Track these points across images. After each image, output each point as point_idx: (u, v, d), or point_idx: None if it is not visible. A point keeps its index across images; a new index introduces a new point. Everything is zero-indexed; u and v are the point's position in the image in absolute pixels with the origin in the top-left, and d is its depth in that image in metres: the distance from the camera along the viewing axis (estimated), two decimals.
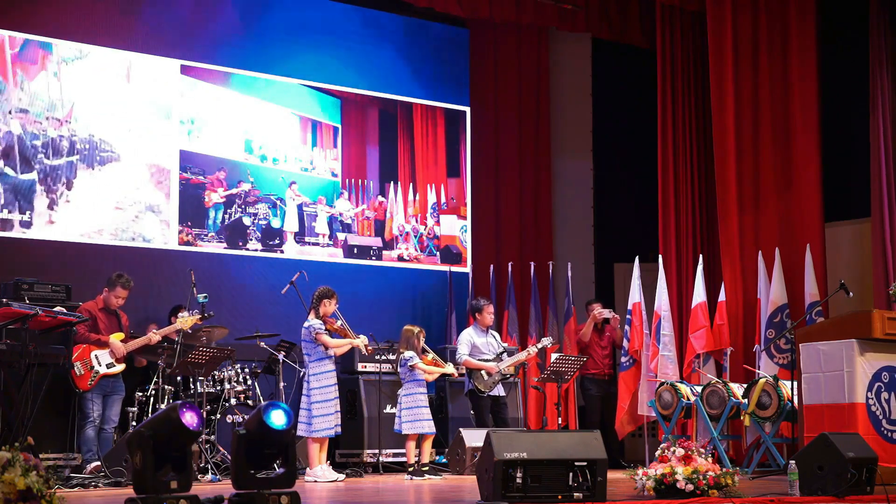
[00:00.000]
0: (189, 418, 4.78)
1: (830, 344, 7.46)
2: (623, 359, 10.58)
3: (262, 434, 5.02)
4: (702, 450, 6.05)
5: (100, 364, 8.39)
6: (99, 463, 7.90)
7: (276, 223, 10.97)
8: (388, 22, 11.98)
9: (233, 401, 9.15)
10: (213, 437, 8.87)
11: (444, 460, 9.69)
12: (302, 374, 9.00)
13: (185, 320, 8.54)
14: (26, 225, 9.57)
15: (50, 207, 9.71)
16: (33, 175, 9.65)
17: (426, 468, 8.91)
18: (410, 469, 8.82)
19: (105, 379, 8.43)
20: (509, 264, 11.76)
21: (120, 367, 8.50)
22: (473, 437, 9.16)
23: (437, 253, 12.04)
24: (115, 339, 8.50)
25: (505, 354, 9.76)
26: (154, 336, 8.56)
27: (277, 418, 5.04)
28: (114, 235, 10.02)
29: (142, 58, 10.35)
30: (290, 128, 11.26)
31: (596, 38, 12.54)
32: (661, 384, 9.42)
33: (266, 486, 5.03)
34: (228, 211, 10.71)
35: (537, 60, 12.62)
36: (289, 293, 9.52)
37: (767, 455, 8.80)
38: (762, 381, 8.65)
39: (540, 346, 9.96)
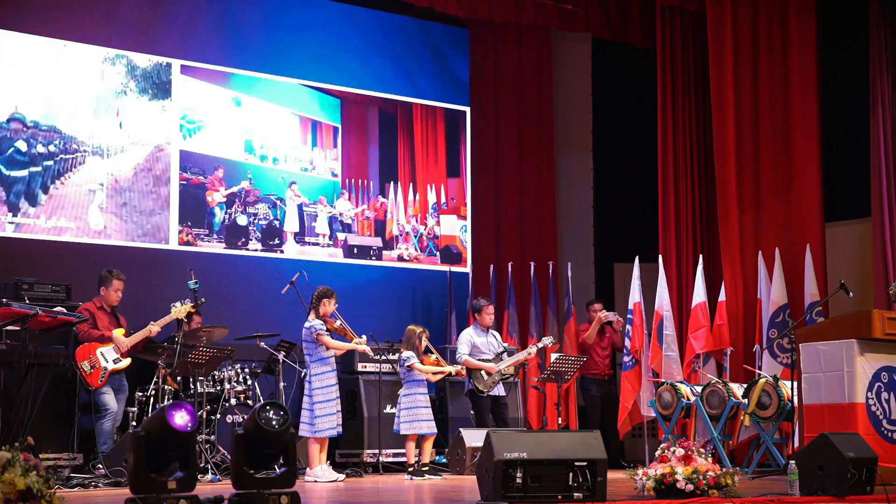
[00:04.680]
0: (178, 419, 4.74)
1: (830, 344, 7.45)
2: (626, 359, 10.56)
3: (259, 434, 5.02)
4: (702, 450, 6.05)
5: (106, 360, 8.45)
6: None
7: (276, 223, 10.97)
8: (388, 22, 11.97)
9: (233, 401, 9.15)
10: (213, 437, 8.87)
11: (444, 460, 9.69)
12: (303, 374, 9.00)
13: (179, 309, 8.59)
14: (23, 224, 9.57)
15: (47, 207, 9.70)
16: (27, 173, 9.65)
17: (426, 468, 8.91)
18: (410, 469, 8.82)
19: (112, 376, 8.47)
20: (509, 264, 11.76)
21: (126, 362, 8.56)
22: (473, 437, 9.16)
23: (437, 253, 12.04)
24: (118, 333, 8.54)
25: (505, 354, 9.76)
26: (153, 327, 8.59)
27: (272, 419, 5.03)
28: (114, 235, 10.01)
29: (142, 57, 10.35)
30: (290, 128, 11.25)
31: (596, 38, 12.55)
32: (661, 384, 9.43)
33: (266, 486, 5.03)
34: (228, 211, 10.72)
35: (537, 60, 12.62)
36: (289, 293, 9.52)
37: (767, 455, 8.80)
38: (762, 381, 8.66)
39: (540, 345, 9.96)
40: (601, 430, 6.90)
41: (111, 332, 8.54)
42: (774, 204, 10.39)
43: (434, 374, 9.09)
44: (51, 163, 9.75)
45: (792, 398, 8.28)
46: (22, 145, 9.62)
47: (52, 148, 9.76)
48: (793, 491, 6.04)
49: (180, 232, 10.39)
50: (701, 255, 10.51)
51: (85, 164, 9.95)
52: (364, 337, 8.74)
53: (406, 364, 8.92)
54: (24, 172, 9.60)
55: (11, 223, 9.50)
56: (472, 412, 9.87)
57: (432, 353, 9.17)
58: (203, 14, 10.83)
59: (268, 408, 5.05)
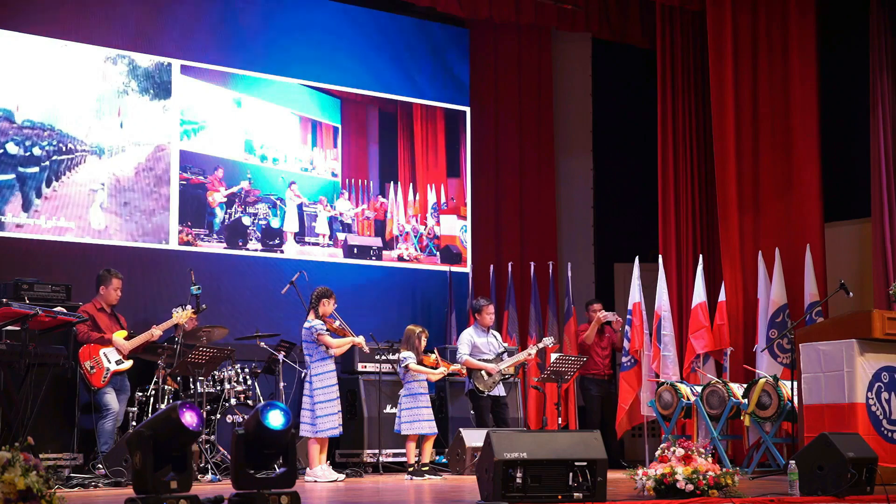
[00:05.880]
0: (189, 418, 4.79)
1: (830, 344, 7.46)
2: (624, 359, 10.57)
3: (260, 435, 5.03)
4: (702, 450, 6.05)
5: (109, 361, 8.47)
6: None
7: (275, 223, 10.97)
8: (388, 22, 11.97)
9: (233, 401, 9.15)
10: (213, 437, 8.87)
11: (444, 460, 9.69)
12: (303, 374, 9.00)
13: (181, 314, 8.62)
14: (24, 224, 9.56)
15: (49, 207, 9.70)
16: (26, 172, 9.65)
17: (426, 468, 8.92)
18: (410, 469, 8.82)
19: (114, 376, 8.49)
20: (509, 264, 11.76)
21: (128, 364, 8.59)
22: (473, 437, 9.16)
23: (437, 253, 12.04)
24: (119, 336, 8.56)
25: (505, 354, 9.77)
26: (155, 331, 8.61)
27: (275, 419, 5.04)
28: (115, 235, 10.01)
29: (143, 57, 10.34)
30: (290, 128, 11.25)
31: (596, 38, 12.55)
32: (661, 384, 9.43)
33: (266, 486, 5.04)
34: (228, 211, 10.72)
35: (537, 60, 12.62)
36: (289, 293, 9.52)
37: (767, 455, 8.80)
38: (762, 381, 8.66)
39: (540, 345, 9.96)
40: (601, 430, 6.91)
41: (111, 335, 8.55)
42: (774, 204, 10.39)
43: (433, 364, 9.07)
44: (49, 163, 9.73)
45: (792, 398, 8.28)
46: (11, 147, 9.60)
47: (52, 147, 9.75)
48: (793, 491, 6.04)
49: (180, 232, 10.39)
50: (701, 255, 10.51)
51: (86, 163, 9.94)
52: (362, 337, 8.76)
53: (403, 365, 8.93)
54: (23, 171, 9.59)
55: (11, 223, 9.49)
56: (472, 412, 9.87)
57: (432, 352, 9.19)
58: (203, 14, 10.82)
59: (270, 408, 5.06)
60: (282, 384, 9.42)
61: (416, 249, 11.88)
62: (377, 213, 11.69)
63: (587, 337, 10.76)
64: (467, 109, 12.39)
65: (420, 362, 9.01)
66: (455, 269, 11.91)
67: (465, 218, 12.23)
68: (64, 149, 9.83)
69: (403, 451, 9.13)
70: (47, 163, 9.72)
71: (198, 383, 8.79)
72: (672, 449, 6.02)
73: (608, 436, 9.43)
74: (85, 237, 9.84)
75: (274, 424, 5.02)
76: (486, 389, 9.54)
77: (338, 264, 11.27)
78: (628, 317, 10.56)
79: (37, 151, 9.67)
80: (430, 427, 8.94)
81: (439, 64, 12.29)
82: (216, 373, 9.10)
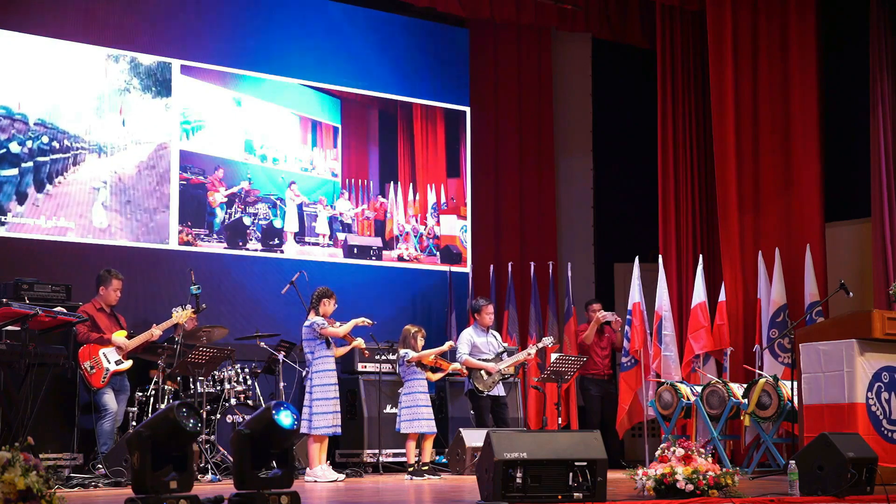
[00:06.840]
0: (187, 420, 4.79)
1: (830, 344, 7.45)
2: (624, 359, 10.57)
3: (269, 434, 5.04)
4: (702, 450, 6.06)
5: (109, 361, 8.48)
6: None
7: (276, 223, 10.97)
8: (388, 22, 11.97)
9: (233, 401, 9.15)
10: (213, 437, 8.87)
11: (444, 460, 9.69)
12: (304, 373, 9.00)
13: (181, 314, 8.63)
14: (24, 224, 9.56)
15: (50, 205, 9.69)
16: (19, 172, 9.65)
17: (426, 468, 8.92)
18: (410, 469, 8.82)
19: (114, 376, 8.50)
20: (509, 264, 11.76)
21: (127, 364, 8.60)
22: (473, 437, 9.16)
23: (437, 253, 12.03)
24: (119, 336, 8.56)
25: (505, 354, 9.77)
26: (155, 331, 8.61)
27: (285, 418, 5.06)
28: (117, 233, 10.01)
29: (142, 57, 10.34)
30: (290, 128, 11.25)
31: (596, 38, 12.55)
32: (661, 384, 9.43)
33: (266, 486, 5.04)
34: (228, 211, 10.72)
35: (537, 60, 12.62)
36: (289, 293, 9.53)
37: (767, 455, 8.80)
38: (762, 381, 8.66)
39: (540, 345, 9.97)
40: (601, 430, 6.90)
41: (111, 335, 8.56)
42: (774, 204, 10.39)
43: (432, 364, 9.06)
44: (49, 159, 9.73)
45: (792, 398, 8.28)
46: (14, 145, 9.60)
47: (54, 145, 9.75)
48: (793, 491, 6.04)
49: (180, 232, 10.39)
50: (701, 255, 10.51)
51: (88, 162, 9.94)
52: (361, 339, 8.77)
53: (405, 359, 8.93)
54: (14, 171, 9.58)
55: (10, 222, 9.49)
56: (472, 412, 9.87)
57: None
58: (203, 14, 10.82)
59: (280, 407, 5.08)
60: (282, 384, 9.41)
61: (416, 249, 11.88)
62: (377, 213, 11.69)
63: (586, 337, 10.76)
64: (467, 109, 12.39)
65: (418, 363, 9.01)
66: (455, 269, 11.91)
67: (465, 218, 12.23)
68: (65, 147, 9.82)
69: (403, 451, 9.13)
70: (33, 162, 9.70)
71: (198, 383, 8.79)
72: (672, 449, 6.02)
73: (608, 436, 9.43)
74: (87, 236, 9.84)
75: (284, 423, 5.05)
76: (485, 389, 9.54)
77: (338, 264, 11.27)
78: (628, 317, 10.55)
79: (39, 148, 9.66)
80: (430, 426, 8.94)
81: (439, 64, 12.28)
82: (216, 373, 9.10)
